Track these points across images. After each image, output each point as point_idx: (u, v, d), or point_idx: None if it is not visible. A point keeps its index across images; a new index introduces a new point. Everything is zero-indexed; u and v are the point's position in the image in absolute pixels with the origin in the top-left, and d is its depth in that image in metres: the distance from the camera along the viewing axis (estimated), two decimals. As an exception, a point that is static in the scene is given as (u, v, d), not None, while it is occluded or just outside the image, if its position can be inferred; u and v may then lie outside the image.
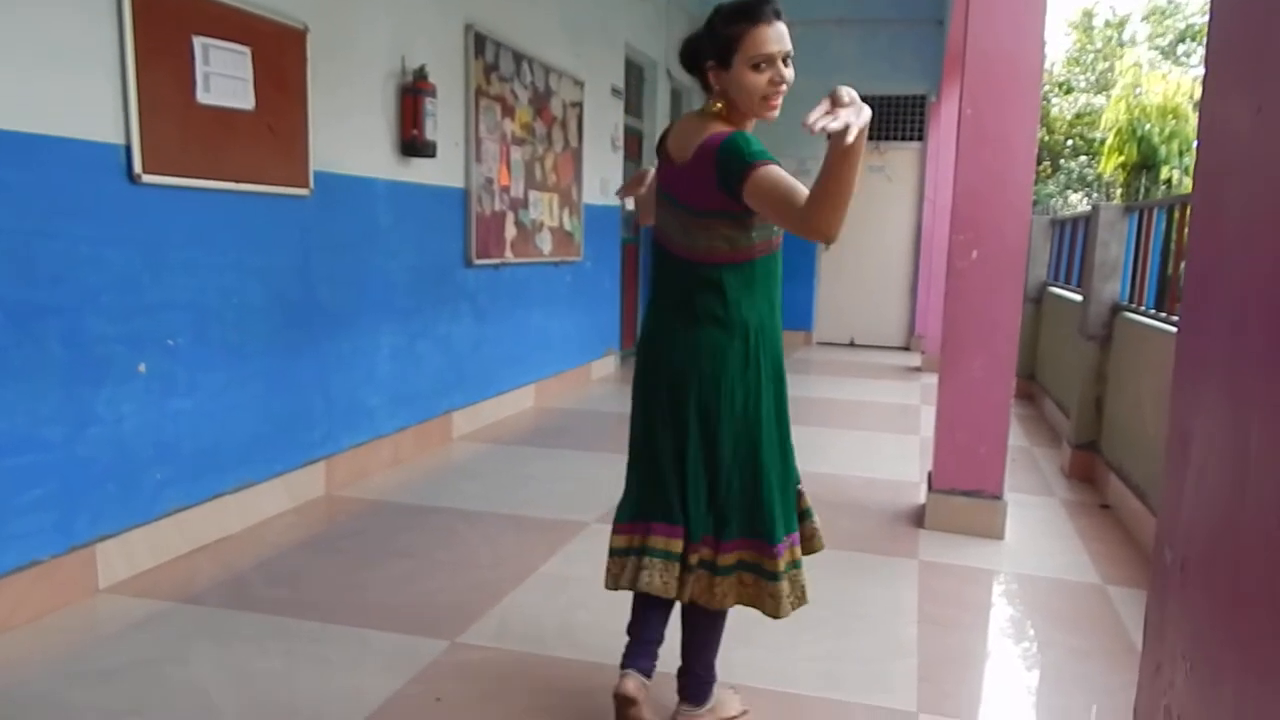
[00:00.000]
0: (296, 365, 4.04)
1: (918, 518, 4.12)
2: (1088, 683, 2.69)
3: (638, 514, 2.22)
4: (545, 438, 5.49)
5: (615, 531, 2.26)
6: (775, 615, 2.12)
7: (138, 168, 3.15)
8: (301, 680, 2.55)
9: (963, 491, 3.95)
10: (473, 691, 2.51)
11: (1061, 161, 26.91)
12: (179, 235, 3.36)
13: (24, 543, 2.87)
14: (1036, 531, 4.04)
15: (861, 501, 4.41)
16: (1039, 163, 24.75)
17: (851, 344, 10.73)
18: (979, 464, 3.91)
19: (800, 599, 2.16)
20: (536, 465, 4.84)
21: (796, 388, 7.62)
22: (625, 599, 2.44)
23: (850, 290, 10.63)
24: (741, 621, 2.97)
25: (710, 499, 2.14)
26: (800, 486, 2.29)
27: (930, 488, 4.03)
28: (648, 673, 2.23)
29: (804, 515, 2.28)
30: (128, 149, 3.12)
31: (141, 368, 3.23)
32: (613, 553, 2.26)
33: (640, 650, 2.25)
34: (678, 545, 2.15)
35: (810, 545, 2.28)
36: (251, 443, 3.79)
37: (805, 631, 2.94)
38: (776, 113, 2.07)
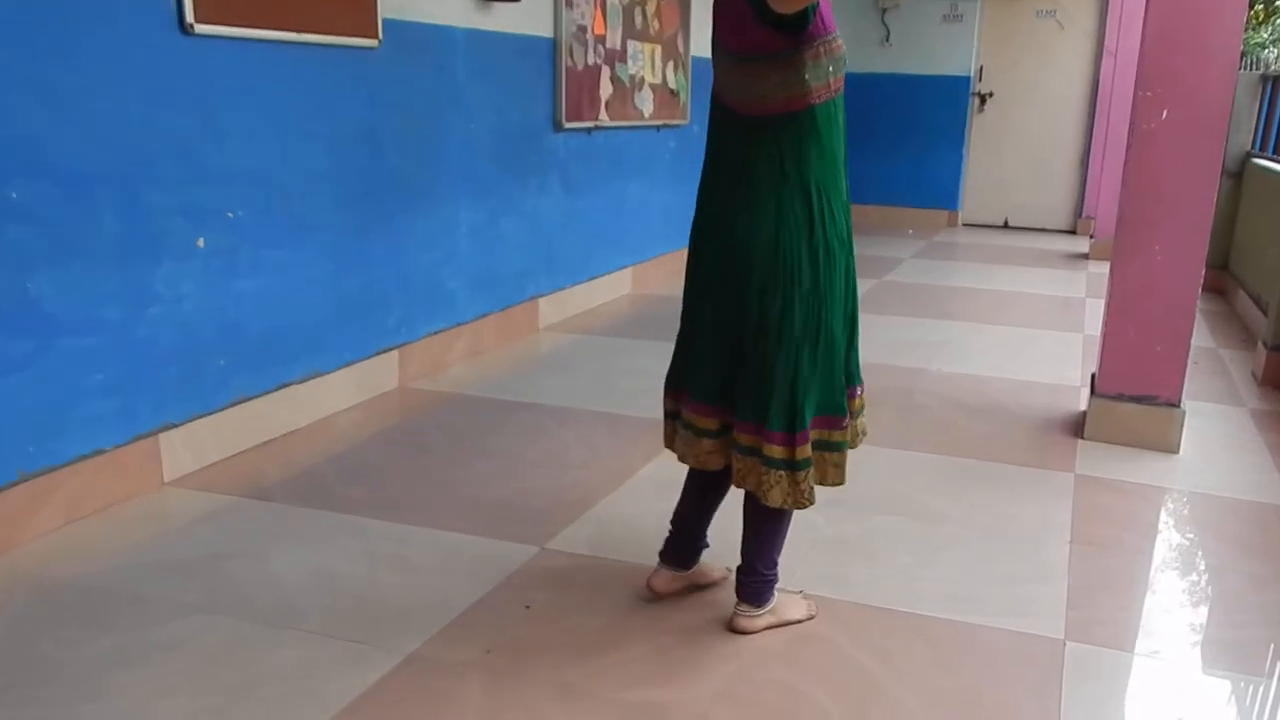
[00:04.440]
0: (367, 243, 4.18)
1: (1076, 426, 4.12)
2: (1267, 613, 2.72)
3: (679, 383, 2.51)
4: (644, 329, 5.59)
5: (664, 394, 2.58)
6: (839, 482, 2.41)
7: (190, 16, 3.26)
8: (384, 582, 2.74)
9: (1132, 397, 3.92)
10: (565, 601, 2.67)
11: (1279, 4, 25.29)
12: (236, 94, 3.49)
13: (88, 429, 3.11)
14: (1218, 445, 4.01)
15: (1010, 407, 4.41)
16: (1250, 5, 23.27)
17: (1006, 226, 10.50)
18: (1153, 365, 3.88)
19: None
20: (634, 359, 4.95)
21: (938, 276, 7.55)
22: (733, 507, 2.55)
23: (1006, 161, 10.35)
24: (866, 538, 3.07)
25: (770, 385, 2.30)
26: (861, 387, 2.47)
27: (1093, 392, 4.01)
28: (684, 564, 2.65)
29: (852, 414, 2.46)
30: (180, -5, 3.24)
31: (200, 242, 3.40)
32: (665, 414, 2.59)
33: (678, 540, 2.65)
34: (710, 423, 2.41)
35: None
36: (319, 328, 3.98)
37: (940, 550, 3.02)
38: None
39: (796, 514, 2.46)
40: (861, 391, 2.48)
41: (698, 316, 2.41)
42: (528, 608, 2.62)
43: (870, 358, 5.15)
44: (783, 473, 2.31)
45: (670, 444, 2.57)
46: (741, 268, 2.28)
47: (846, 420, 2.38)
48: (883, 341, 5.44)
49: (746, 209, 2.26)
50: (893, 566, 2.90)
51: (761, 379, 2.30)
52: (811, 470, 2.33)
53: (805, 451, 2.31)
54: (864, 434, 2.51)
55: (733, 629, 2.53)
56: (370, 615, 2.57)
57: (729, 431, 2.40)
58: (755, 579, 2.52)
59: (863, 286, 7.23)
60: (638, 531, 3.06)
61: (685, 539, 2.65)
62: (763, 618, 2.53)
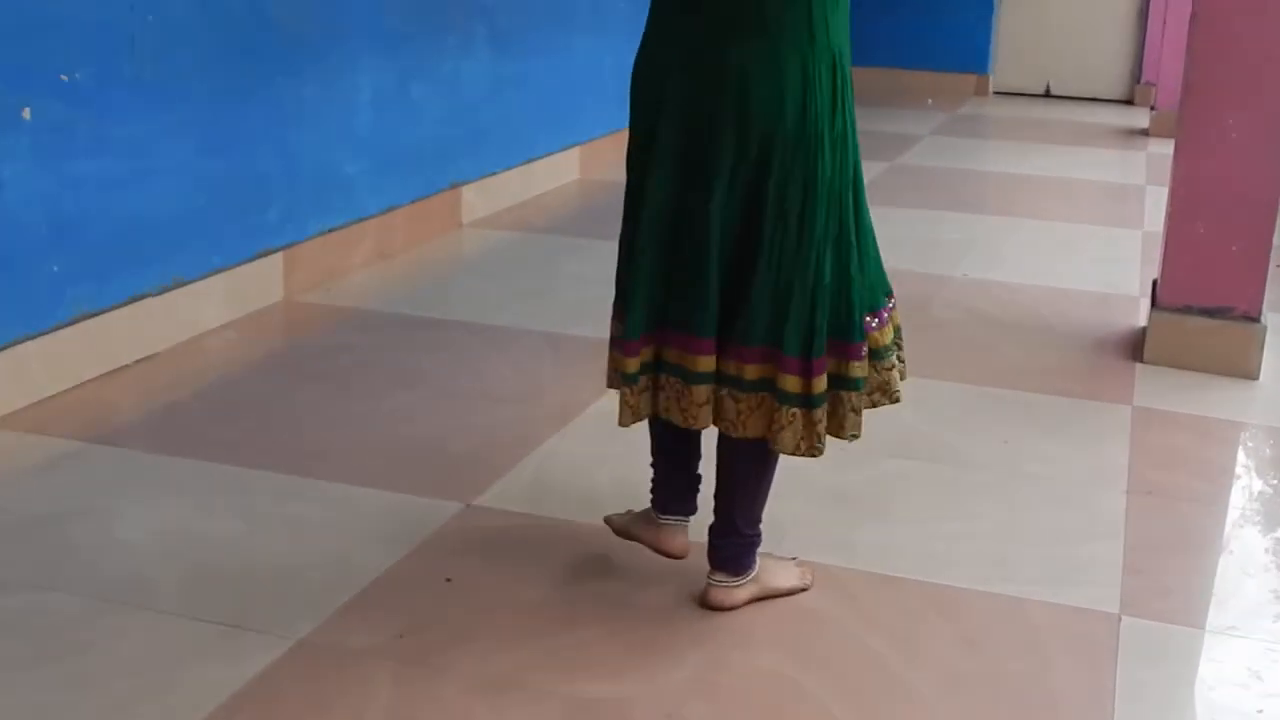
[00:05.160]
0: (242, 115, 4.08)
1: (1134, 347, 4.11)
2: (1368, 580, 2.74)
3: (652, 320, 2.35)
4: (596, 224, 5.47)
5: (625, 352, 2.37)
6: (856, 434, 2.36)
7: None
8: (264, 549, 2.69)
9: (1202, 310, 3.92)
10: (496, 571, 2.63)
11: None
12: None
13: (-119, 356, 3.02)
14: (1307, 369, 4.04)
15: (1053, 322, 4.41)
16: None
17: (1047, 94, 10.46)
18: (1228, 270, 3.87)
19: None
20: (583, 263, 4.88)
21: (963, 157, 7.52)
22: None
23: (1048, 15, 10.27)
24: (876, 489, 3.05)
25: (788, 297, 2.25)
26: (890, 307, 2.44)
27: (1155, 304, 4.01)
28: (687, 506, 2.53)
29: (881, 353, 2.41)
30: None
31: (26, 113, 3.29)
32: (625, 378, 2.37)
33: (671, 480, 2.52)
34: (706, 362, 2.30)
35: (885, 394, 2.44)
36: (182, 225, 3.87)
37: (966, 503, 3.01)
38: None
39: (788, 461, 2.41)
40: (892, 308, 2.45)
41: (676, 213, 2.29)
42: (449, 581, 2.58)
43: (878, 260, 5.18)
44: (797, 410, 2.25)
45: (638, 413, 2.39)
46: (759, 140, 2.20)
47: (863, 348, 2.31)
48: (894, 241, 5.34)
49: (762, 65, 2.18)
50: (908, 524, 2.89)
51: (776, 291, 2.25)
52: (825, 408, 2.28)
53: (821, 384, 2.26)
54: (897, 390, 2.46)
55: (707, 604, 2.48)
56: (249, 591, 2.52)
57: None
58: (735, 541, 2.46)
59: (869, 171, 7.24)
60: (588, 483, 3.02)
61: (682, 476, 2.54)
62: (744, 588, 2.49)
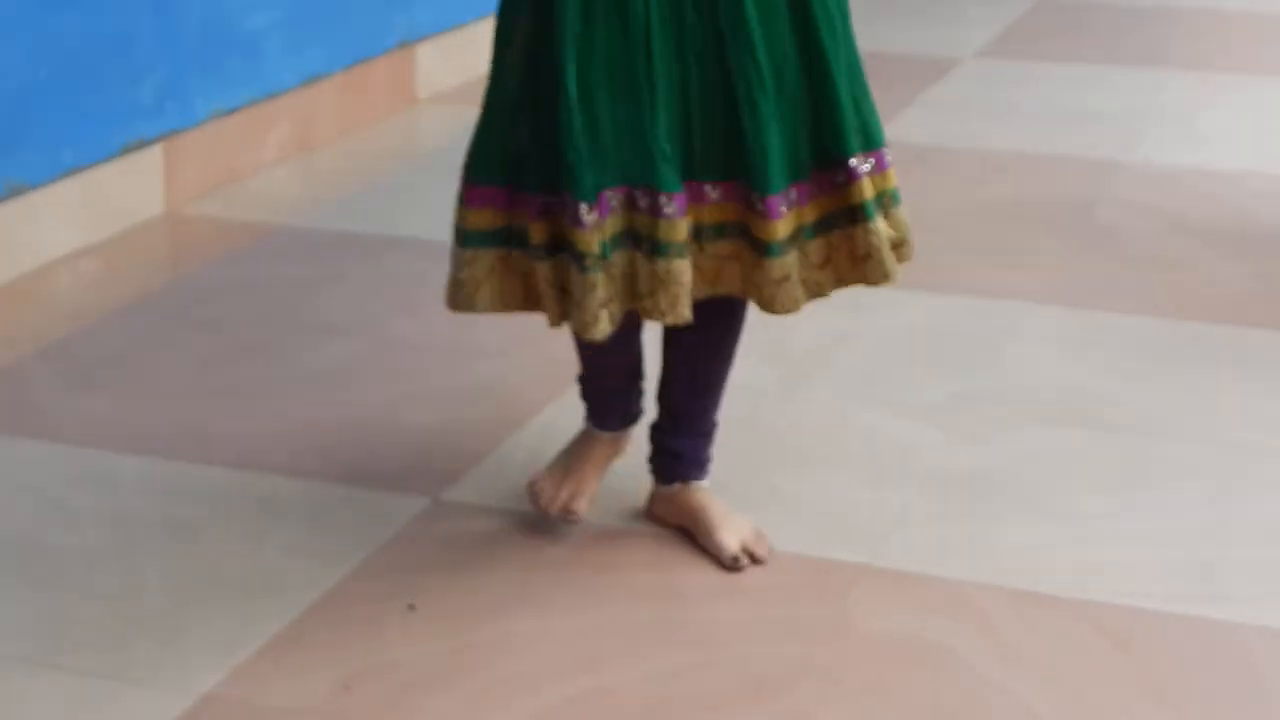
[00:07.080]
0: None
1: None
2: None
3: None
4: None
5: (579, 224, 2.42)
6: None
7: None
8: (145, 566, 2.69)
9: None
10: (477, 593, 2.62)
11: None
12: None
13: None
14: None
15: (1268, 223, 4.39)
16: None
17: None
18: None
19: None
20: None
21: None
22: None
23: None
24: (1016, 468, 3.05)
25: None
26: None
27: None
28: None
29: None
30: None
31: None
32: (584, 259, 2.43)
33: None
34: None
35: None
36: (19, 105, 3.88)
37: (1152, 488, 3.00)
38: None
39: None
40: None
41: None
42: (412, 607, 2.58)
43: (1012, 142, 5.13)
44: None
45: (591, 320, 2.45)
46: None
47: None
48: (1038, 109, 5.43)
49: None
50: (1069, 522, 2.88)
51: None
52: None
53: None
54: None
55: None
56: (126, 627, 2.51)
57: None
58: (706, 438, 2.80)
59: (1009, 10, 7.27)
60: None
61: None
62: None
